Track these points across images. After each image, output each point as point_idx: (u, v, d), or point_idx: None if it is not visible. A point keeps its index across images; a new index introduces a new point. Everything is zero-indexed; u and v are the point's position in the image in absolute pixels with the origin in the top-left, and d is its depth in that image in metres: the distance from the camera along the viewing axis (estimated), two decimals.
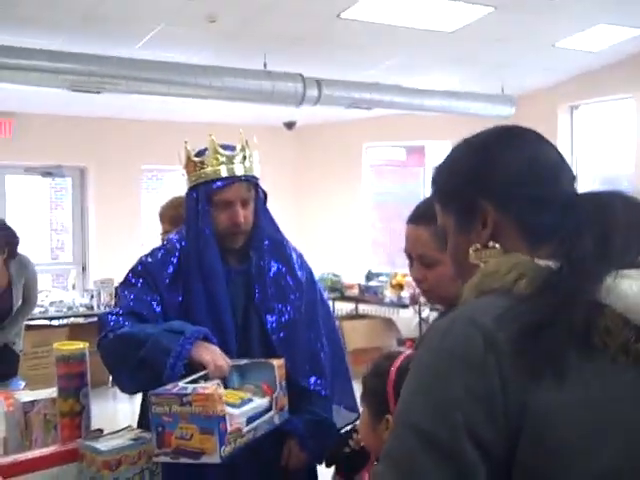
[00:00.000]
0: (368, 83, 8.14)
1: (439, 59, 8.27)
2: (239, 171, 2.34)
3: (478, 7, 6.64)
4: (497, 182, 1.19)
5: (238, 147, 2.39)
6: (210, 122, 10.33)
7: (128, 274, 2.40)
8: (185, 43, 7.19)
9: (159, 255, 2.42)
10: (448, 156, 1.30)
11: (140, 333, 2.15)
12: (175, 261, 2.38)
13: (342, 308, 9.65)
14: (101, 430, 1.95)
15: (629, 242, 1.06)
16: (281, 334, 2.39)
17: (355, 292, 9.42)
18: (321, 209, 11.08)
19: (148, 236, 10.72)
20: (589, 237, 1.06)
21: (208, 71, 7.24)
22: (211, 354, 2.07)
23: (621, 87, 8.74)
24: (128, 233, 10.21)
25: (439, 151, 11.25)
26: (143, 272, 2.37)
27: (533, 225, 1.14)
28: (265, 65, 7.53)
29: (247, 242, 2.41)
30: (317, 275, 8.43)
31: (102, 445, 1.78)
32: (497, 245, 1.17)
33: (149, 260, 2.41)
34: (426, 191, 14.77)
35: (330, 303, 9.54)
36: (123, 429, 1.90)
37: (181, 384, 1.85)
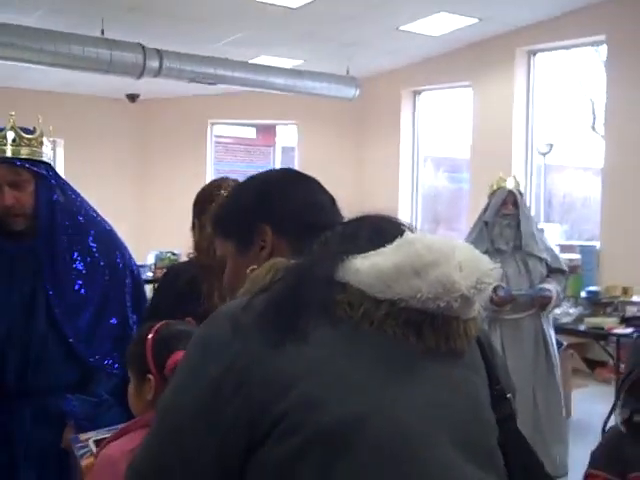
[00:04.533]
0: (212, 57, 7.95)
1: (285, 36, 8.19)
2: (4, 153, 2.33)
3: None
4: (276, 209, 1.37)
5: (7, 127, 2.34)
6: (50, 90, 9.84)
7: None
8: (15, 3, 6.73)
9: None
10: (232, 194, 1.47)
11: None
12: None
13: None
14: None
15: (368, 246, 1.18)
16: (67, 314, 2.38)
17: None
18: (164, 185, 10.78)
19: None
20: (334, 239, 1.21)
21: (40, 35, 6.82)
22: None
23: (460, 75, 9.00)
24: None
25: (288, 131, 11.23)
26: None
27: (304, 247, 1.24)
28: (103, 32, 7.18)
29: (35, 223, 2.39)
30: (154, 253, 8.16)
31: None
32: None
33: None
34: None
35: None
36: None
37: (91, 442, 1.94)
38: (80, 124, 10.21)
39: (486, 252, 4.70)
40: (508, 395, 1.28)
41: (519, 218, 4.63)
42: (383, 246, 1.16)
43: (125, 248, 2.62)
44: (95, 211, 2.59)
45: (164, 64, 7.49)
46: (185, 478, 1.08)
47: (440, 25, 7.96)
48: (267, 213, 1.36)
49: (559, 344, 6.19)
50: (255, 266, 1.28)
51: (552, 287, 4.55)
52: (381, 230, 1.20)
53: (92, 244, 2.50)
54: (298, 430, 1.03)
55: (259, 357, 1.06)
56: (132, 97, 10.08)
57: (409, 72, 9.51)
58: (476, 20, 7.89)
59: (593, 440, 5.42)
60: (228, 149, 16.13)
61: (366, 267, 1.12)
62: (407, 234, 1.17)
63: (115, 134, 10.42)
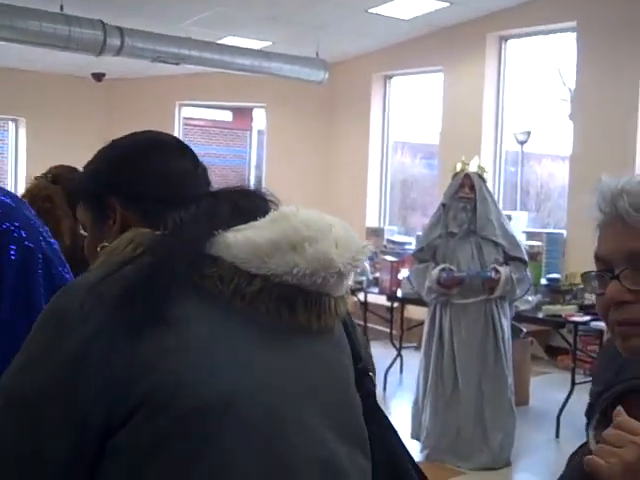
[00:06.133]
0: (176, 37, 7.77)
1: (252, 17, 8.05)
2: None
3: None
4: (123, 181, 1.28)
5: None
6: (12, 67, 9.66)
7: None
8: None
9: None
10: (94, 157, 1.38)
11: None
12: None
13: None
14: None
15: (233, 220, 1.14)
16: None
17: None
18: None
19: None
20: (198, 211, 1.15)
21: None
22: None
23: (432, 59, 8.88)
24: None
25: (262, 114, 11.10)
26: None
27: (157, 222, 1.17)
28: (62, 7, 7.01)
29: None
30: None
31: None
32: None
33: None
34: (252, 154, 14.64)
35: None
36: None
37: None
38: (43, 102, 10.03)
39: (439, 236, 4.63)
40: (370, 373, 1.29)
41: (476, 202, 4.55)
42: (245, 222, 1.12)
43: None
44: None
45: (126, 42, 7.32)
46: (27, 471, 1.00)
47: (410, 8, 7.83)
48: (115, 186, 1.28)
49: (519, 331, 6.14)
50: (106, 243, 1.20)
51: (502, 270, 4.47)
52: (238, 207, 1.16)
53: None
54: (163, 412, 0.99)
55: (121, 336, 1.00)
56: (98, 76, 9.90)
57: (380, 56, 9.38)
58: (447, 4, 7.78)
59: (547, 428, 5.43)
60: (203, 132, 15.99)
61: (240, 241, 1.09)
62: (282, 207, 1.16)
63: (80, 113, 10.24)
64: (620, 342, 1.12)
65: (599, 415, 1.72)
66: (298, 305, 1.11)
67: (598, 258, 1.15)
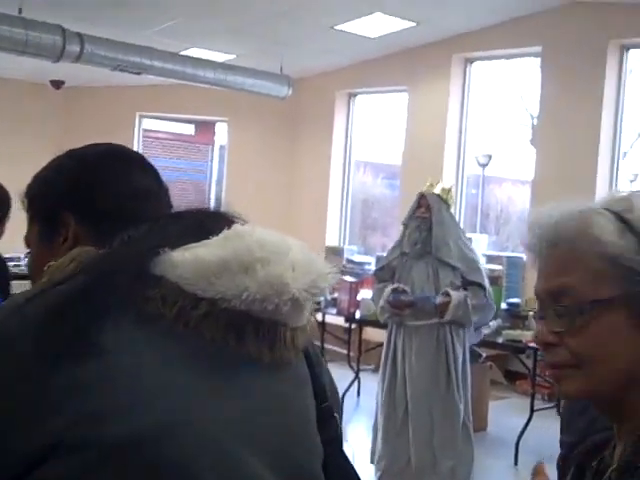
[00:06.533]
0: (137, 45, 7.61)
1: (216, 29, 7.93)
2: None
3: None
4: (82, 197, 1.18)
5: None
6: None
7: None
8: None
9: None
10: (47, 165, 1.25)
11: None
12: None
13: None
14: None
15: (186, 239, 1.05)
16: None
17: None
18: None
19: None
20: (148, 229, 1.06)
21: None
22: None
23: (397, 79, 8.85)
24: None
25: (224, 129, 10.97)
26: None
27: (112, 240, 1.08)
28: (20, 11, 6.81)
29: None
30: None
31: None
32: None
33: None
34: (214, 169, 14.47)
35: None
36: None
37: None
38: None
39: (398, 256, 4.55)
40: (335, 414, 1.15)
41: (432, 222, 4.45)
42: (197, 241, 1.03)
43: None
44: None
45: (85, 49, 7.13)
46: None
47: (376, 26, 7.79)
48: (70, 198, 1.18)
49: (478, 356, 6.06)
50: (53, 262, 1.10)
51: (453, 294, 4.37)
52: (197, 226, 1.06)
53: None
54: (80, 449, 0.89)
55: (38, 369, 0.90)
56: (57, 83, 9.67)
57: (344, 74, 9.32)
58: (413, 24, 7.74)
59: (506, 454, 5.34)
60: (164, 145, 15.76)
61: (187, 260, 0.99)
62: (236, 226, 1.06)
63: (36, 121, 10.00)
64: (556, 386, 1.05)
65: (575, 469, 1.54)
66: (247, 333, 1.00)
67: (536, 295, 1.06)
